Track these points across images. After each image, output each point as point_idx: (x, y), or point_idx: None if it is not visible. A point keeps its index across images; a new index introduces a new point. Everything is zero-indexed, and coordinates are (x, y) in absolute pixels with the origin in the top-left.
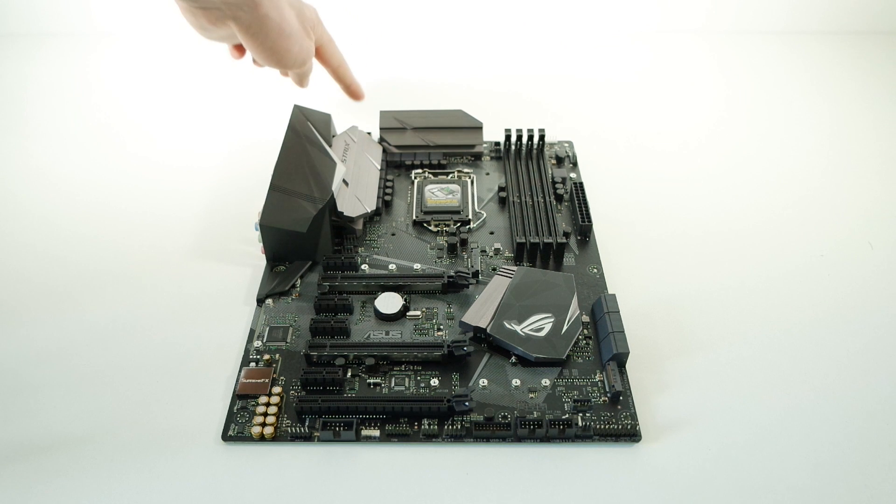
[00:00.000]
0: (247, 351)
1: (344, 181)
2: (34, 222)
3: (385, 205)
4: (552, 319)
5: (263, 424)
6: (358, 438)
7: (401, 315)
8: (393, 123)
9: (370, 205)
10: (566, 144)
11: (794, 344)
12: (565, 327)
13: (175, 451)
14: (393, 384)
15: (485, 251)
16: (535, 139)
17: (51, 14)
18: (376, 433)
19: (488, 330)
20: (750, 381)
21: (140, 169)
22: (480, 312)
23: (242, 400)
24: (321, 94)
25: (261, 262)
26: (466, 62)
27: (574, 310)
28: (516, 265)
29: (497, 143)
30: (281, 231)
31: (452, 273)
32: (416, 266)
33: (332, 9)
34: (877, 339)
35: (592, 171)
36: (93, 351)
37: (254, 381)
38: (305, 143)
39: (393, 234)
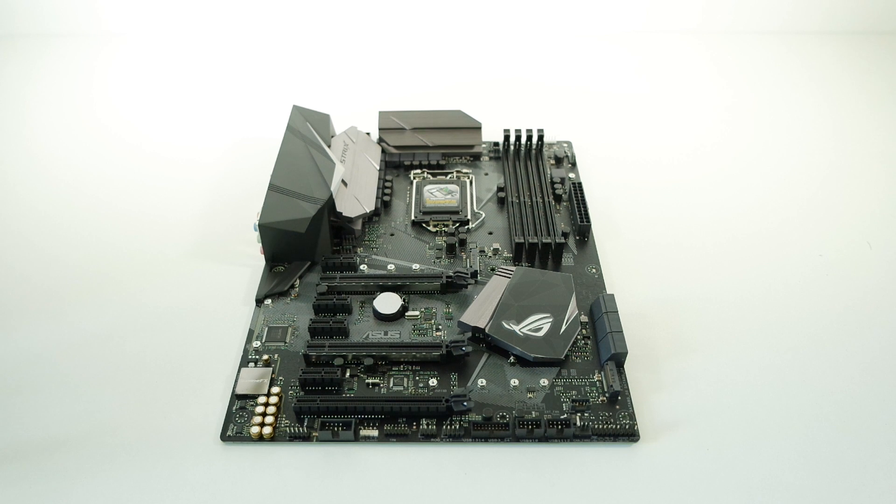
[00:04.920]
0: (245, 351)
1: (343, 181)
2: (37, 223)
3: (384, 205)
4: (551, 319)
5: (262, 424)
6: (356, 438)
7: (399, 315)
8: (392, 124)
9: (369, 205)
10: (565, 144)
11: (793, 343)
12: (564, 327)
13: (174, 452)
14: (391, 384)
15: (483, 251)
16: (534, 139)
17: (56, 15)
18: (375, 433)
19: (487, 330)
20: (748, 380)
21: (140, 169)
22: (479, 312)
23: (241, 400)
24: (320, 94)
25: (259, 262)
26: (466, 62)
27: (572, 310)
28: (515, 265)
29: (496, 144)
30: (280, 231)
31: (451, 273)
32: (415, 266)
33: (332, 9)
34: (875, 338)
35: (591, 171)
36: (91, 351)
37: (252, 381)
38: (304, 143)
39: (392, 235)
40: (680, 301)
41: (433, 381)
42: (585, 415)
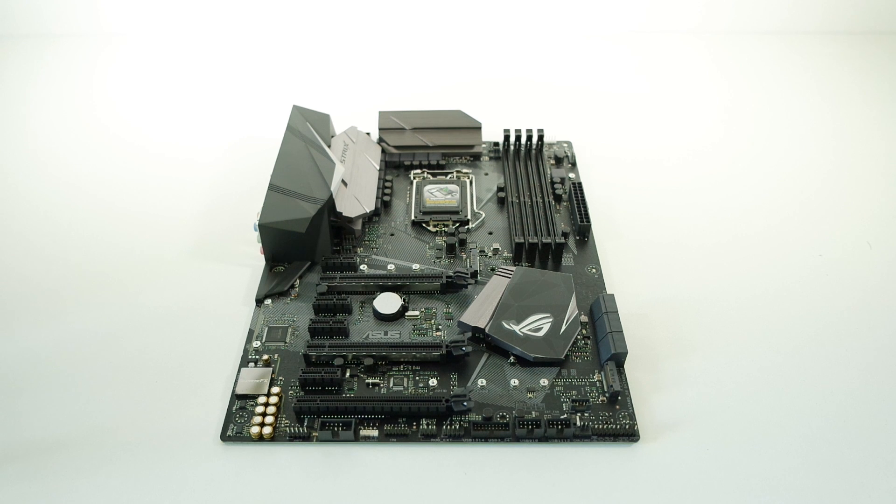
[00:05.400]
0: (245, 351)
1: (343, 181)
2: (37, 223)
3: (384, 205)
4: (551, 319)
5: (262, 424)
6: (356, 438)
7: (399, 315)
8: (392, 124)
9: (369, 205)
10: (565, 144)
11: (793, 343)
12: (564, 327)
13: (174, 452)
14: (391, 384)
15: (483, 251)
16: (534, 139)
17: (56, 15)
18: (375, 433)
19: (487, 330)
20: (748, 380)
21: (140, 168)
22: (479, 312)
23: (241, 400)
24: (320, 94)
25: (260, 262)
26: (466, 62)
27: (572, 310)
28: (515, 265)
29: (496, 144)
30: (280, 231)
31: (451, 273)
32: (415, 266)
33: (332, 9)
34: (875, 338)
35: (591, 171)
36: (91, 351)
37: (252, 381)
38: (304, 143)
39: (392, 235)
40: (680, 301)
41: (433, 381)
42: (585, 415)
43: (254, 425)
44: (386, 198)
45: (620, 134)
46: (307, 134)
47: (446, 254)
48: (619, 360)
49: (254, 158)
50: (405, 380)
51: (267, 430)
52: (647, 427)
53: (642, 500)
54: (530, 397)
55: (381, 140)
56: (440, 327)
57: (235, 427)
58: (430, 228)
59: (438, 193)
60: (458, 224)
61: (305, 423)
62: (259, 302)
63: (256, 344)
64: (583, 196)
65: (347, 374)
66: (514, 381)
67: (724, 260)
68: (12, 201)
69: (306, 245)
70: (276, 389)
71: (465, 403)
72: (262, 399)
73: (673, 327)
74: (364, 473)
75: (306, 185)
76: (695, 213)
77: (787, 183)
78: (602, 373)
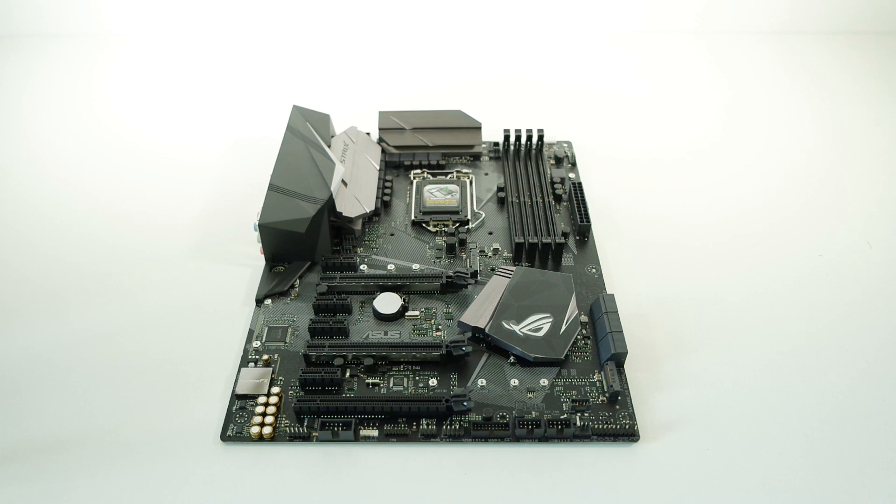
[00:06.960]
0: (245, 351)
1: (343, 181)
2: (37, 223)
3: (384, 205)
4: (551, 319)
5: (262, 424)
6: (356, 438)
7: (399, 315)
8: (392, 124)
9: (369, 205)
10: (565, 144)
11: (793, 343)
12: (564, 327)
13: (174, 452)
14: (391, 384)
15: (483, 251)
16: (534, 139)
17: (56, 15)
18: (375, 433)
19: (487, 330)
20: (748, 380)
21: (140, 168)
22: (479, 312)
23: (241, 400)
24: (320, 94)
25: (259, 262)
26: (466, 62)
27: (572, 310)
28: (515, 265)
29: (496, 144)
30: (280, 231)
31: (451, 273)
32: (415, 266)
33: (332, 9)
34: (875, 338)
35: (591, 171)
36: (91, 351)
37: (252, 381)
38: (304, 143)
39: (392, 235)
40: (680, 301)
41: (433, 381)
42: (585, 415)
43: (254, 425)
44: (386, 198)
45: (620, 134)
46: (307, 134)
47: (446, 254)
48: (619, 360)
49: (254, 158)
50: (405, 380)
51: (267, 430)
52: (647, 427)
53: (642, 500)
54: (530, 397)
55: (381, 140)
56: (440, 327)
57: (235, 427)
58: (430, 228)
59: (438, 193)
60: (458, 224)
61: (305, 423)
62: (259, 302)
63: (256, 344)
64: (583, 196)
65: (347, 374)
66: (514, 381)
67: (724, 260)
68: (12, 201)
69: (306, 245)
70: (276, 389)
71: (465, 403)
72: (262, 399)
73: (673, 327)
74: (364, 473)
75: (306, 185)
76: (695, 213)
77: (786, 183)
78: (602, 373)
